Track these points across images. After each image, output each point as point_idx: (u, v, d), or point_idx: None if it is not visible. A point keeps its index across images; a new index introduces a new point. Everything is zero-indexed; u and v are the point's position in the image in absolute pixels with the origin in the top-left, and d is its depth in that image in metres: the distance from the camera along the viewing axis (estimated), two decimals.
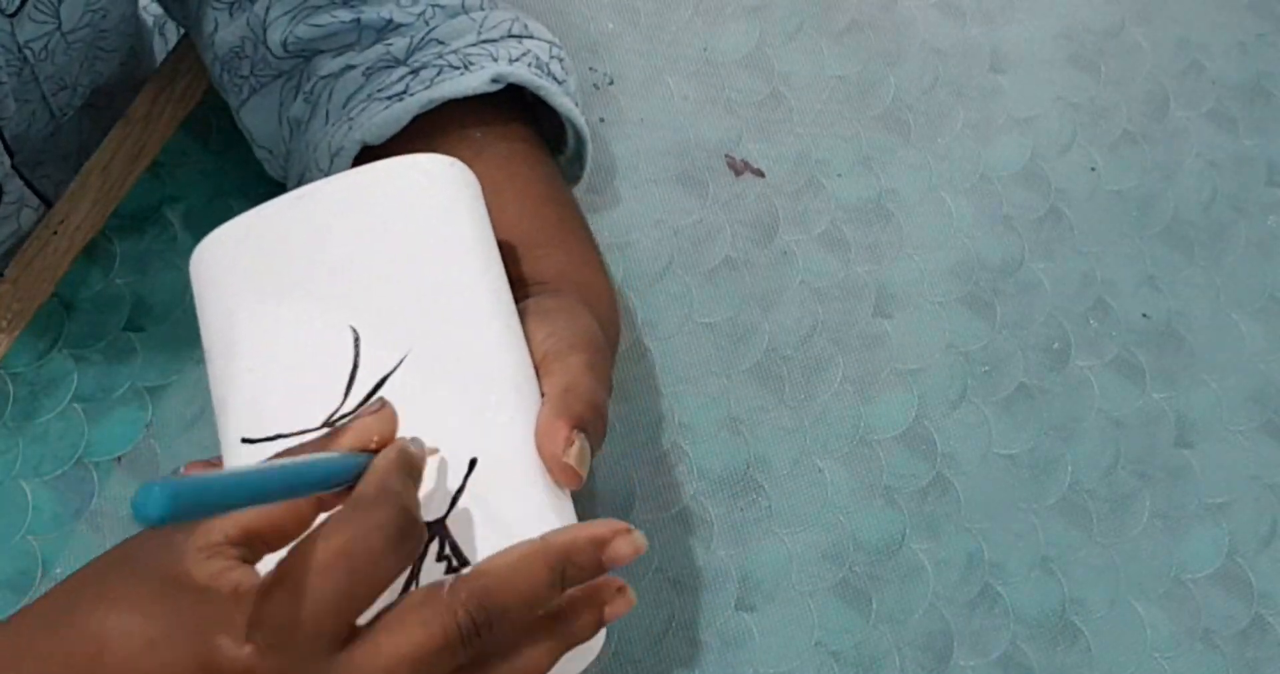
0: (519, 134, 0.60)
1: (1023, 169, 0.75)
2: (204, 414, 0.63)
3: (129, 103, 0.69)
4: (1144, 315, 0.72)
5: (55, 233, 0.65)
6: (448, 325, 0.48)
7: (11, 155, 0.64)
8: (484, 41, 0.59)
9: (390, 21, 0.59)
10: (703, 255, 0.70)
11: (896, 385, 0.68)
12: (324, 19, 0.59)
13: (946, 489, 0.67)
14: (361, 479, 0.43)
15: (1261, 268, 0.75)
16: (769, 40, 0.75)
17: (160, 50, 0.83)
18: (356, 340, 0.49)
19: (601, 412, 0.49)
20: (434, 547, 0.46)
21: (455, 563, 0.46)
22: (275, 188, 0.64)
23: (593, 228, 0.69)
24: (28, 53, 0.60)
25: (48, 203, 0.69)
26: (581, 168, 0.63)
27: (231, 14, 0.60)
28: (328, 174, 0.58)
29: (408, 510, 0.42)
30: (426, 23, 0.59)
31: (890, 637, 0.64)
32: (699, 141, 0.72)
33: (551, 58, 0.61)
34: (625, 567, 0.63)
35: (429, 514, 0.46)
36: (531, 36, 0.61)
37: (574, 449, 0.47)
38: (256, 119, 0.62)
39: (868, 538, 0.65)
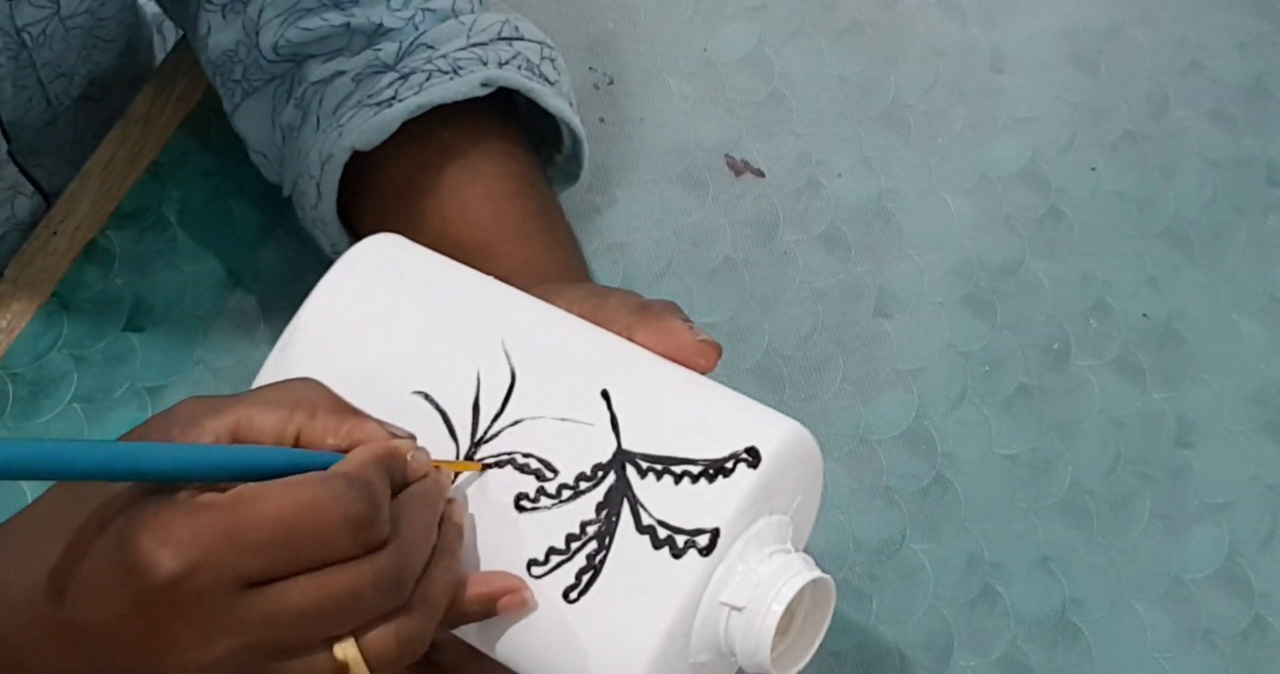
0: (499, 135, 0.60)
1: (1023, 169, 0.75)
2: None
3: (126, 97, 0.70)
4: (1144, 315, 0.72)
5: (55, 233, 0.65)
6: (498, 324, 0.48)
7: (9, 141, 0.64)
8: (473, 45, 0.59)
9: (380, 26, 0.59)
10: (703, 255, 0.70)
11: (896, 385, 0.68)
12: (314, 22, 0.59)
13: (946, 489, 0.67)
14: (346, 458, 0.43)
15: (1261, 268, 0.75)
16: (769, 40, 0.75)
17: (160, 47, 0.82)
18: (428, 397, 0.47)
19: (675, 307, 0.49)
20: (630, 471, 0.44)
21: (659, 466, 0.44)
22: (275, 188, 0.64)
23: (593, 228, 0.69)
24: (25, 37, 0.60)
25: (43, 192, 0.69)
26: (579, 167, 0.63)
27: (225, 17, 0.60)
28: (319, 181, 0.58)
29: (376, 507, 0.41)
30: (416, 27, 0.59)
31: (890, 637, 0.63)
32: (699, 141, 0.72)
33: (543, 59, 0.61)
34: None
35: (604, 454, 0.44)
36: (522, 38, 0.61)
37: (694, 328, 0.47)
38: (250, 123, 0.62)
39: (868, 538, 0.65)
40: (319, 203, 0.59)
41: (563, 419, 0.45)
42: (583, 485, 0.44)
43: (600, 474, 0.44)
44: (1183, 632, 0.66)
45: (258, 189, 0.67)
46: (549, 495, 0.45)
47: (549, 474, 0.45)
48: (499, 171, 0.59)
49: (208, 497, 0.40)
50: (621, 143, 0.72)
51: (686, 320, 0.47)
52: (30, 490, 0.61)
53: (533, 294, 0.50)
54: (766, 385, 0.67)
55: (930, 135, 0.75)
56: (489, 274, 0.52)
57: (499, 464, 0.46)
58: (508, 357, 0.47)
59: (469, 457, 0.46)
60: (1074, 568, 0.66)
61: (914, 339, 0.70)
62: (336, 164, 0.58)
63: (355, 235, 0.62)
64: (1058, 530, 0.67)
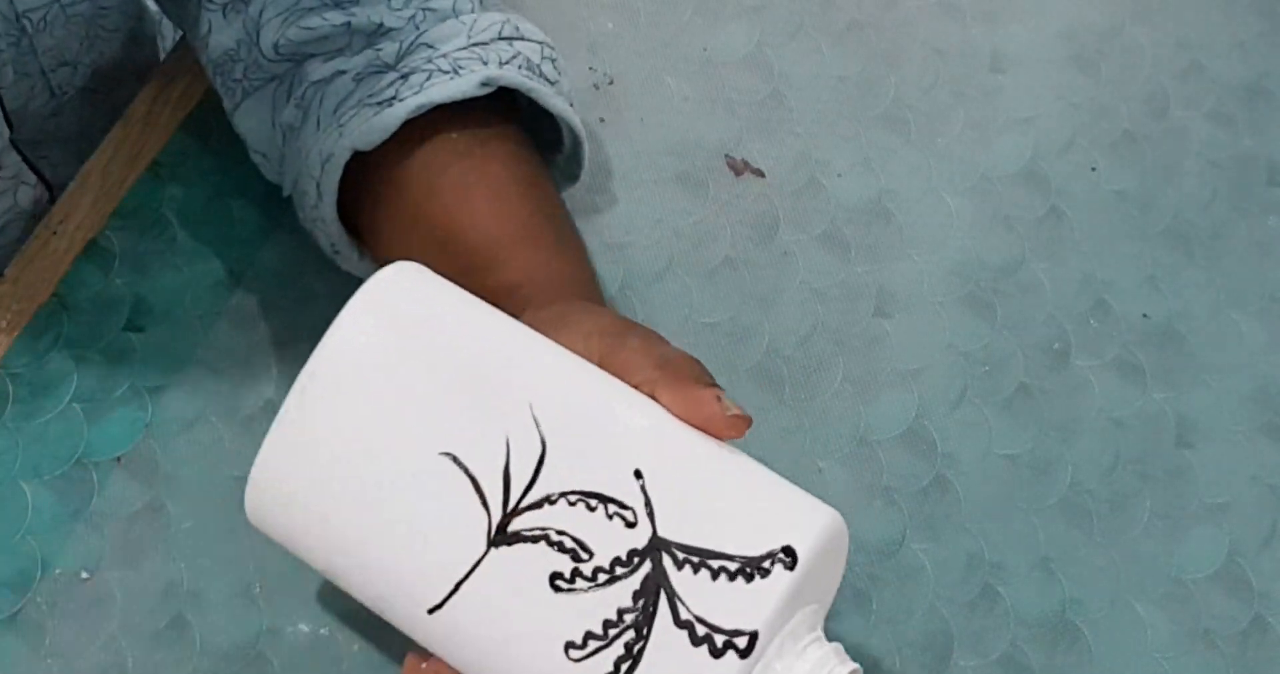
0: (503, 135, 0.60)
1: (1023, 169, 0.75)
2: (203, 414, 0.63)
3: (131, 90, 0.70)
4: (1144, 315, 0.72)
5: (55, 233, 0.65)
6: (526, 389, 0.46)
7: (11, 128, 0.64)
8: (474, 45, 0.59)
9: (380, 25, 0.59)
10: (703, 255, 0.70)
11: (896, 385, 0.68)
12: (315, 22, 0.59)
13: (946, 489, 0.67)
14: None
15: (1261, 268, 0.75)
16: (769, 40, 0.75)
17: (161, 46, 0.82)
18: (456, 461, 0.46)
19: (693, 359, 0.49)
20: (666, 561, 0.44)
21: (696, 559, 0.44)
22: (275, 188, 0.64)
23: (593, 228, 0.69)
24: (26, 23, 0.60)
25: (46, 183, 0.69)
26: (579, 167, 0.63)
27: (225, 16, 0.60)
28: (319, 181, 0.58)
29: None
30: (416, 27, 0.59)
31: (890, 637, 0.64)
32: (699, 141, 0.72)
33: (543, 59, 0.61)
34: None
35: (640, 541, 0.44)
36: (522, 38, 0.61)
37: (724, 400, 0.47)
38: (250, 123, 0.62)
39: (868, 538, 0.65)
40: (319, 203, 0.59)
41: (595, 495, 0.45)
42: (619, 570, 0.44)
43: (636, 561, 0.44)
44: (1183, 632, 0.66)
45: (258, 189, 0.67)
46: (585, 578, 0.44)
47: (584, 555, 0.44)
48: (507, 173, 0.59)
49: None
50: (621, 143, 0.72)
51: (712, 383, 0.47)
52: (30, 491, 0.61)
53: (547, 316, 0.50)
54: (766, 385, 0.67)
55: (930, 135, 0.75)
56: (496, 281, 0.51)
57: (533, 539, 0.45)
58: (537, 424, 0.46)
59: (501, 528, 0.45)
60: (1074, 568, 0.66)
61: (914, 339, 0.70)
62: (337, 164, 0.58)
63: (355, 235, 0.62)
64: (1058, 530, 0.67)
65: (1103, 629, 0.65)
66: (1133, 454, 0.69)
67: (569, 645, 0.44)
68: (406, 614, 0.47)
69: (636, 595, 0.44)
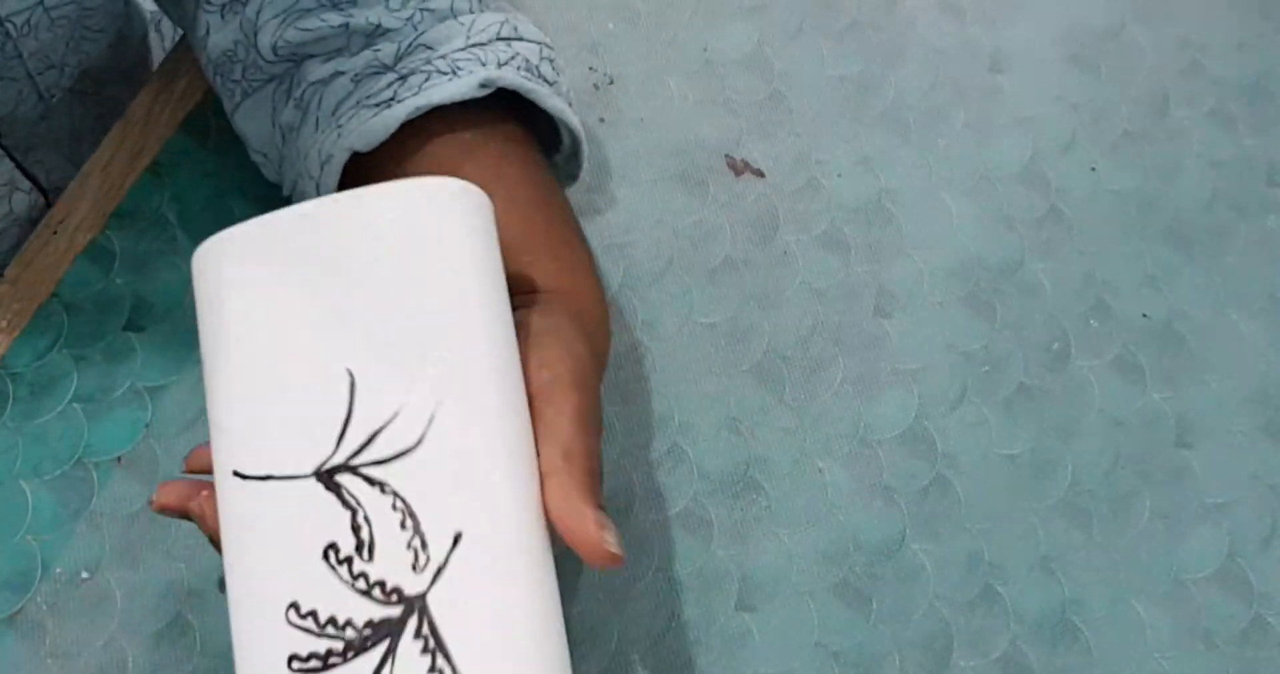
0: (510, 135, 0.60)
1: (1023, 169, 0.75)
2: (204, 415, 0.63)
3: (119, 90, 0.70)
4: (1144, 315, 0.72)
5: (55, 233, 0.65)
6: (444, 379, 0.48)
7: (0, 135, 0.64)
8: (472, 46, 0.59)
9: (379, 26, 0.59)
10: (703, 255, 0.70)
11: (896, 385, 0.68)
12: (313, 23, 0.59)
13: (946, 489, 0.67)
14: None
15: (1261, 268, 0.75)
16: (769, 40, 0.75)
17: (156, 43, 0.83)
18: (352, 385, 0.48)
19: (600, 475, 0.49)
20: (412, 622, 0.45)
21: (432, 644, 0.45)
22: (275, 188, 0.64)
23: (593, 228, 0.70)
24: (9, 27, 0.60)
25: (41, 188, 0.69)
26: (578, 167, 0.63)
27: (223, 17, 0.60)
28: (318, 182, 0.58)
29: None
30: (415, 27, 0.59)
31: (890, 637, 0.64)
32: (699, 141, 0.72)
33: (542, 59, 0.61)
34: (626, 567, 0.63)
35: (410, 587, 0.45)
36: (521, 38, 0.61)
37: (609, 532, 0.47)
38: (250, 124, 0.62)
39: (868, 538, 0.65)
40: None
41: (414, 517, 0.46)
42: (370, 632, 0.45)
43: (389, 627, 0.45)
44: (1183, 632, 0.66)
45: (258, 189, 0.67)
46: (349, 577, 0.46)
47: (364, 555, 0.46)
48: (522, 176, 0.59)
49: None
50: (621, 143, 0.72)
51: (601, 507, 0.47)
52: (30, 491, 0.61)
53: (530, 325, 0.51)
54: (766, 385, 0.67)
55: (930, 135, 0.75)
56: (510, 284, 0.52)
57: (344, 502, 0.46)
58: (429, 421, 0.47)
59: (332, 470, 0.47)
60: (1074, 568, 0.66)
61: (914, 339, 0.70)
62: (336, 165, 0.58)
63: None
64: (1058, 530, 0.67)
65: (1103, 629, 0.65)
66: (1133, 454, 0.69)
67: (291, 610, 0.46)
68: (224, 455, 0.49)
69: (375, 630, 0.45)
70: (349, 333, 0.49)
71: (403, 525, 0.46)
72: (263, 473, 0.48)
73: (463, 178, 0.52)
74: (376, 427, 0.47)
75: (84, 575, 0.60)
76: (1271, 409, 0.71)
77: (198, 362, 0.64)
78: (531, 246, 0.57)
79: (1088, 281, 0.72)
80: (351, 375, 0.48)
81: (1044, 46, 0.78)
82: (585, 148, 0.62)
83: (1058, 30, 0.78)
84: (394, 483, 0.47)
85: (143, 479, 0.61)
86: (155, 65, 0.84)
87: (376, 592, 0.45)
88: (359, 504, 0.46)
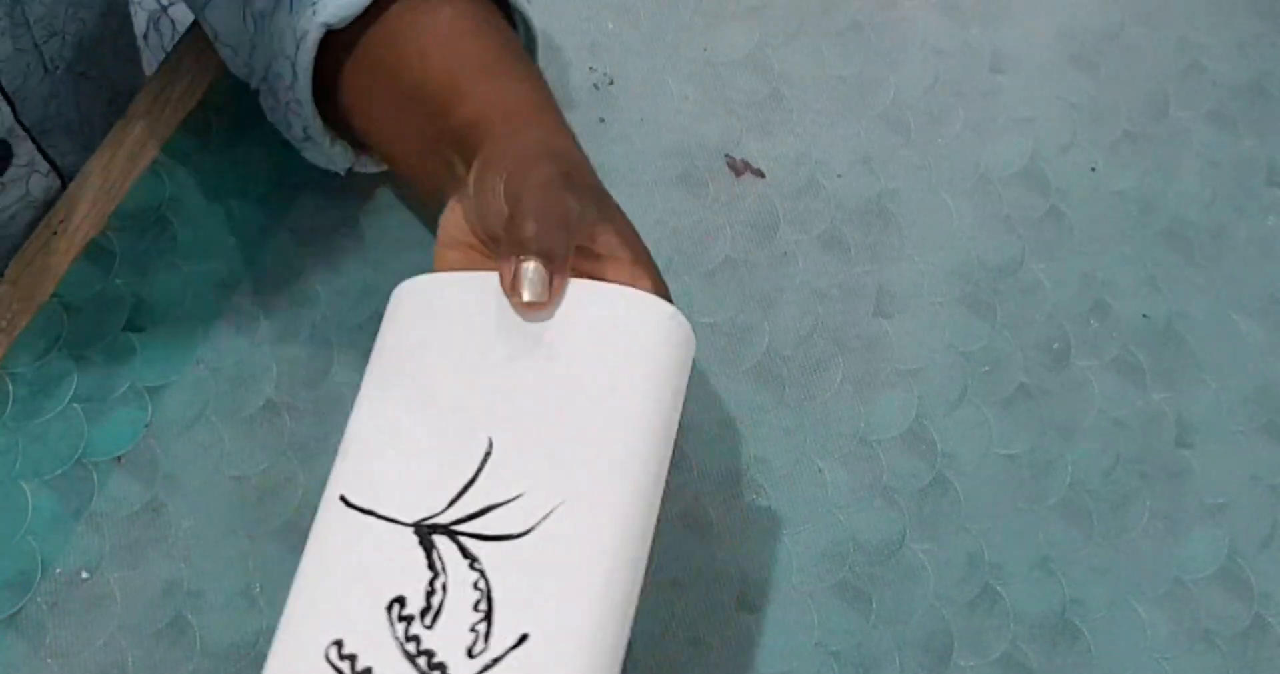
0: (482, 10, 0.60)
1: (1023, 169, 0.75)
2: (204, 415, 0.63)
3: (118, 70, 0.70)
4: (1144, 315, 0.72)
5: (55, 233, 0.65)
6: (579, 483, 0.47)
7: (13, 106, 0.65)
8: None
9: None
10: (703, 255, 0.70)
11: (896, 385, 0.68)
12: None
13: (946, 489, 0.67)
14: None
15: (1261, 268, 0.75)
16: (769, 40, 0.75)
17: (155, 43, 0.83)
18: (487, 454, 0.48)
19: (560, 220, 0.50)
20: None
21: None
22: (275, 188, 0.64)
23: None
24: None
25: (59, 171, 0.69)
26: (533, 54, 0.63)
27: None
28: (294, 61, 0.59)
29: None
30: None
31: (890, 637, 0.64)
32: (699, 141, 0.72)
33: None
34: None
35: (455, 669, 0.45)
36: None
37: (523, 274, 0.49)
38: (221, 16, 0.62)
39: (868, 538, 0.65)
40: (294, 83, 0.59)
41: (490, 601, 0.46)
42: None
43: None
44: (1183, 632, 0.66)
45: (258, 189, 0.67)
46: (411, 637, 0.46)
47: (426, 620, 0.46)
48: (456, 13, 0.59)
49: None
50: (621, 143, 0.72)
51: (527, 260, 0.49)
52: (30, 491, 0.61)
53: (502, 150, 0.53)
54: (766, 385, 0.67)
55: (930, 135, 0.75)
56: (460, 117, 0.54)
57: (428, 562, 0.47)
58: (545, 517, 0.47)
59: (434, 528, 0.47)
60: (1074, 568, 0.66)
61: (914, 339, 0.70)
62: (311, 41, 0.58)
63: (326, 119, 0.61)
64: (1058, 530, 0.67)
65: (1103, 629, 0.65)
66: (1133, 454, 0.69)
67: (334, 647, 0.46)
68: (339, 477, 0.49)
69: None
70: (508, 404, 0.48)
71: (476, 606, 0.45)
72: (367, 506, 0.48)
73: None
74: (494, 501, 0.47)
75: (84, 575, 0.60)
76: (1271, 409, 0.71)
77: (198, 361, 0.64)
78: (469, 75, 0.57)
79: (1088, 281, 0.72)
80: (490, 444, 0.48)
81: (1044, 46, 0.78)
82: (536, 32, 0.62)
83: (1057, 30, 0.79)
84: (486, 562, 0.46)
85: (143, 479, 0.61)
86: (145, 55, 0.84)
87: (422, 660, 0.45)
88: (443, 570, 0.46)
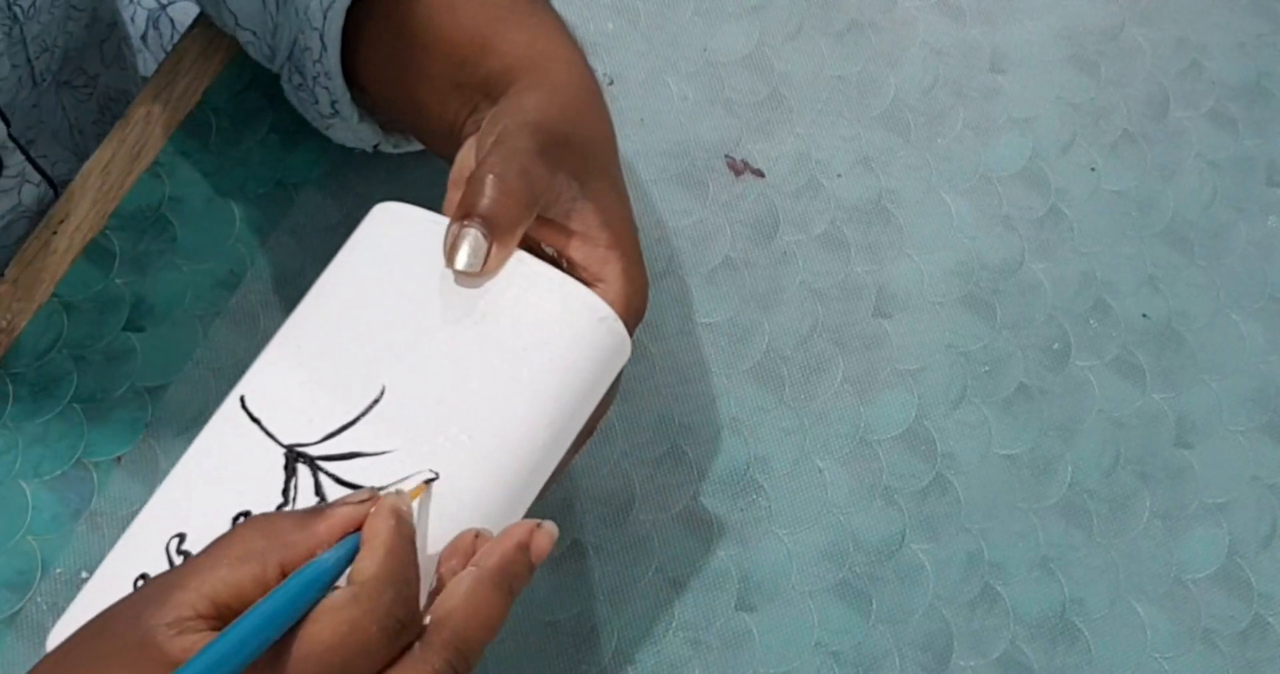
0: None
1: (1023, 169, 0.75)
2: (204, 414, 0.63)
3: (104, 77, 0.70)
4: (1144, 315, 0.72)
5: (55, 233, 0.65)
6: (453, 460, 0.47)
7: (8, 123, 0.64)
8: None
9: None
10: (703, 255, 0.70)
11: (896, 385, 0.68)
12: None
13: (946, 489, 0.67)
14: (358, 557, 0.43)
15: (1261, 268, 0.75)
16: (769, 40, 0.75)
17: (155, 43, 0.83)
18: (374, 402, 0.48)
19: (517, 192, 0.49)
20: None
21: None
22: (276, 188, 0.64)
23: None
24: (17, 10, 0.61)
25: (50, 180, 0.69)
26: None
27: None
28: (322, 32, 0.58)
29: (410, 600, 0.42)
30: None
31: (890, 637, 0.64)
32: (699, 142, 0.72)
33: None
34: (626, 567, 0.63)
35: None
36: None
37: (461, 237, 0.48)
38: (241, 1, 0.62)
39: (868, 538, 0.65)
40: (323, 55, 0.59)
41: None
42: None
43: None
44: (1183, 632, 0.66)
45: (258, 189, 0.67)
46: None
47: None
48: None
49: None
50: (621, 143, 0.71)
51: (470, 225, 0.49)
52: (30, 491, 0.61)
53: (517, 102, 0.52)
54: (766, 385, 0.67)
55: (930, 135, 0.75)
56: (489, 68, 0.53)
57: (285, 486, 0.48)
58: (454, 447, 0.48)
59: (303, 454, 0.48)
60: (1074, 568, 0.66)
61: (914, 339, 0.70)
62: (339, 9, 0.57)
63: (358, 88, 0.61)
64: (1057, 530, 0.67)
65: (1103, 629, 0.65)
66: (1133, 454, 0.69)
67: (175, 539, 0.48)
68: (252, 378, 0.50)
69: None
70: (415, 360, 0.48)
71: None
72: (256, 415, 0.49)
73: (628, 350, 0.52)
74: (363, 449, 0.47)
75: (84, 575, 0.59)
76: (1271, 409, 0.71)
77: (198, 361, 0.64)
78: (494, 27, 0.56)
79: (1088, 281, 0.72)
80: (382, 393, 0.48)
81: (1044, 46, 0.78)
82: None
83: (1057, 30, 0.78)
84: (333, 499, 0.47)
85: (143, 479, 0.61)
86: (144, 55, 0.84)
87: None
88: (294, 501, 0.47)
